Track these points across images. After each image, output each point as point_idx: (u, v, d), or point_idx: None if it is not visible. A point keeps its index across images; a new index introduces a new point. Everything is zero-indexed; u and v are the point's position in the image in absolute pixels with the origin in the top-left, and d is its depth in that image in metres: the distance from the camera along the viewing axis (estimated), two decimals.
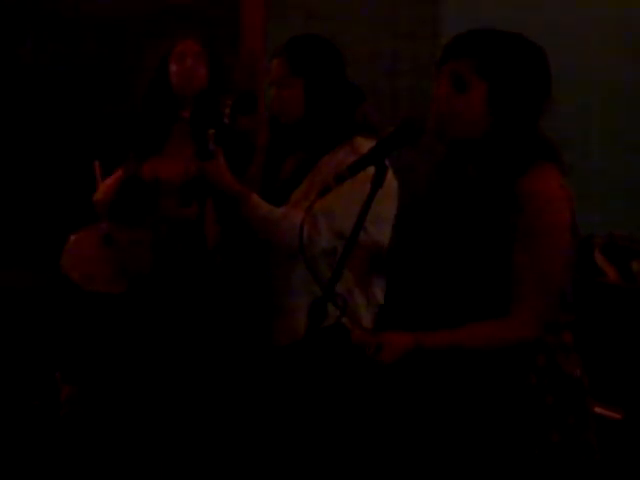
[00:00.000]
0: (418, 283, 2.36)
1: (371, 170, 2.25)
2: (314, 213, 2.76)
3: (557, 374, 2.25)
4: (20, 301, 4.28)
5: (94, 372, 3.65)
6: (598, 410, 3.23)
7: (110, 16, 5.03)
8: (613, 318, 3.66)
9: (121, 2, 5.02)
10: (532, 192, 2.19)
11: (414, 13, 5.08)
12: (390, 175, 2.85)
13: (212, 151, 2.91)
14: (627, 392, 3.49)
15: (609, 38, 4.88)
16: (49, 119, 4.82)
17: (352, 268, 2.85)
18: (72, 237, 3.69)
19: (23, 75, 4.84)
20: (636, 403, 3.46)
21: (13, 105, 4.83)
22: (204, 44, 3.72)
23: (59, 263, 3.65)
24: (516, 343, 2.22)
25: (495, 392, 2.26)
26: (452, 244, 2.28)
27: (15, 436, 3.82)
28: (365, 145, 2.73)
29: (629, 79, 4.89)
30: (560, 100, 2.34)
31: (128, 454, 3.51)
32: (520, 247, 2.19)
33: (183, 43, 3.70)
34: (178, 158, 3.61)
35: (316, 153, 2.95)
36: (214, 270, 3.26)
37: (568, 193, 2.24)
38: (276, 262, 2.94)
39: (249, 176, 3.25)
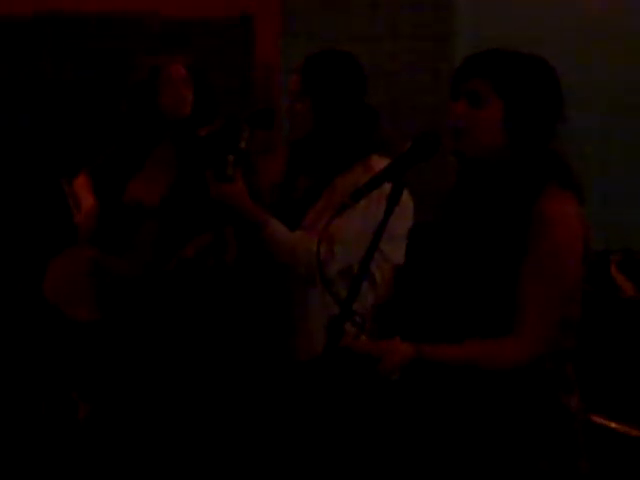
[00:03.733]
0: (425, 298, 2.35)
1: (387, 188, 2.24)
2: (330, 234, 2.77)
3: (553, 403, 2.23)
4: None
5: (109, 389, 3.64)
6: (614, 426, 3.24)
7: (125, 32, 5.08)
8: (630, 332, 3.64)
9: (137, 18, 5.07)
10: (547, 216, 2.18)
11: (430, 31, 5.09)
12: (406, 193, 2.86)
13: (230, 176, 2.91)
14: None
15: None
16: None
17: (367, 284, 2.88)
18: (52, 263, 3.64)
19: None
20: None
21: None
22: (189, 67, 3.68)
23: (42, 287, 3.61)
24: (513, 364, 2.20)
25: (492, 413, 2.24)
26: (461, 262, 2.27)
27: (32, 453, 3.82)
28: (381, 164, 2.71)
29: None
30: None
31: (141, 468, 3.52)
32: (527, 270, 2.17)
33: (171, 67, 3.65)
34: (158, 180, 3.61)
35: (329, 172, 2.94)
36: (231, 289, 3.26)
37: (583, 222, 2.23)
38: (294, 284, 2.95)
39: (265, 193, 3.26)
